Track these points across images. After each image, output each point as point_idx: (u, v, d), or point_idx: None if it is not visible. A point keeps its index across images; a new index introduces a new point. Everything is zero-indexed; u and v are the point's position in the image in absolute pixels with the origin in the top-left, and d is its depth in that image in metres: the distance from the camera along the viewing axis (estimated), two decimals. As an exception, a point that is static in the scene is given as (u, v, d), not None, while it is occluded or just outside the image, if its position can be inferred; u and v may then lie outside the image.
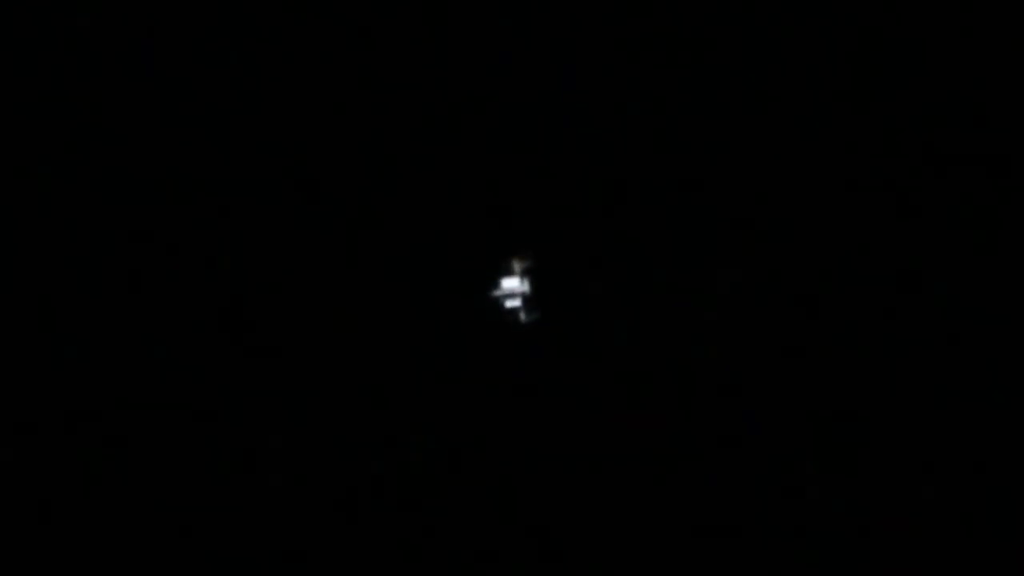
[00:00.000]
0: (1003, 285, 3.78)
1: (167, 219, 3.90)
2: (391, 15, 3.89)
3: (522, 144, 3.88)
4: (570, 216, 3.87)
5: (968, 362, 3.76)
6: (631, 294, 3.86)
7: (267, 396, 3.86)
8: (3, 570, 3.77)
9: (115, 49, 3.90)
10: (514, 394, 3.85)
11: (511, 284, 3.84)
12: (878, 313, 3.81)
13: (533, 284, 3.84)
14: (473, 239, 3.88)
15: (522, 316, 3.85)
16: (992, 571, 3.67)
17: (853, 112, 3.82)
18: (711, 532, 3.76)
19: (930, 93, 3.82)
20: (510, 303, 3.85)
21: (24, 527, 3.80)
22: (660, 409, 3.83)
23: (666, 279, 3.85)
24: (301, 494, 3.83)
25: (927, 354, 3.78)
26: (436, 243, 3.88)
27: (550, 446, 3.83)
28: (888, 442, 3.76)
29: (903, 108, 3.82)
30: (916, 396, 3.76)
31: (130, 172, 3.91)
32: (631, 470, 3.81)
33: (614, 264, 3.86)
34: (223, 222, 3.89)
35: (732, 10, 3.84)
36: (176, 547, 3.80)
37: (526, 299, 3.84)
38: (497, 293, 3.85)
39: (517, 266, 3.84)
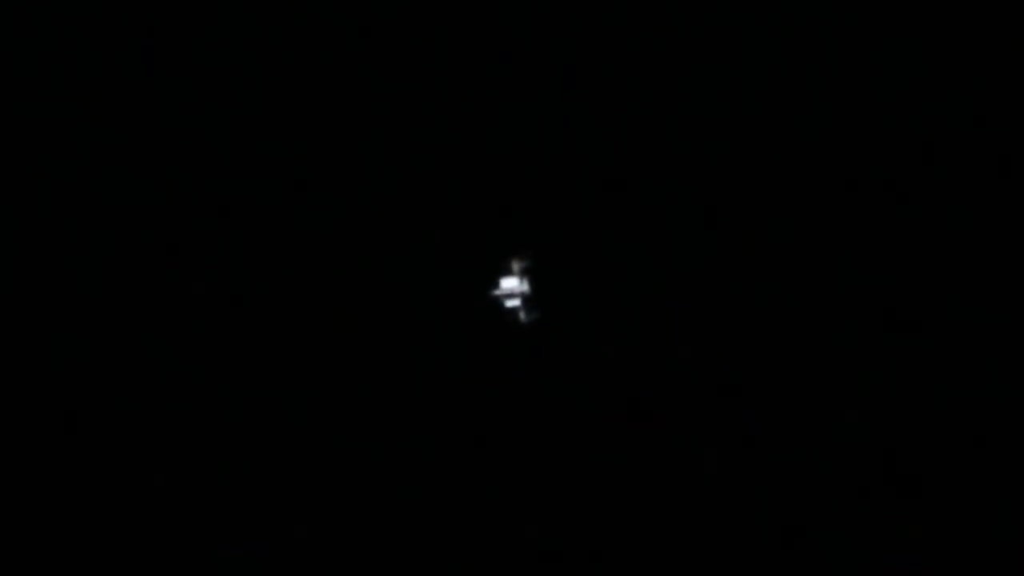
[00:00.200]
0: (1003, 285, 3.77)
1: (167, 219, 3.90)
2: (391, 15, 3.89)
3: (522, 144, 3.88)
4: (570, 216, 3.87)
5: (968, 362, 3.76)
6: (631, 294, 3.85)
7: (267, 396, 3.86)
8: (3, 570, 3.78)
9: (115, 49, 3.90)
10: (514, 394, 3.85)
11: (511, 284, 3.84)
12: (878, 313, 3.80)
13: (532, 284, 3.84)
14: (473, 239, 3.87)
15: (522, 316, 3.84)
16: (992, 571, 3.66)
17: (853, 112, 3.82)
18: (711, 532, 3.76)
19: (930, 93, 3.81)
20: (510, 303, 3.84)
21: (24, 527, 3.80)
22: (660, 409, 3.82)
23: (665, 279, 3.84)
24: (301, 494, 3.83)
25: (927, 354, 3.77)
26: (436, 243, 3.88)
27: (550, 446, 3.83)
28: (888, 442, 3.75)
29: (903, 108, 3.81)
30: (916, 396, 3.76)
31: (130, 172, 3.91)
32: (631, 470, 3.80)
33: (614, 264, 3.86)
34: (223, 222, 3.89)
35: (732, 10, 3.83)
36: (176, 547, 3.80)
37: (526, 299, 3.84)
38: (497, 293, 3.85)
39: (517, 266, 3.84)
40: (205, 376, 3.87)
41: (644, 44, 3.87)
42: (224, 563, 3.79)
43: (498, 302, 3.85)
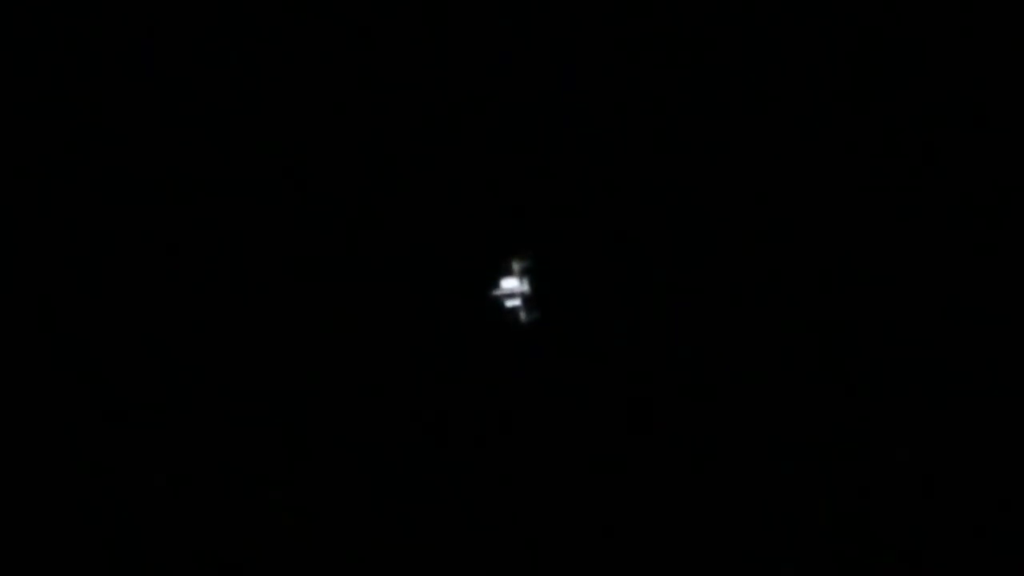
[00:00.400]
0: (1003, 285, 3.77)
1: (166, 218, 3.90)
2: (391, 15, 3.89)
3: (522, 144, 3.88)
4: (570, 216, 3.87)
5: (967, 362, 3.76)
6: (631, 294, 3.85)
7: (267, 396, 3.86)
8: (3, 570, 3.78)
9: (115, 49, 3.90)
10: (514, 394, 3.85)
11: (511, 284, 3.84)
12: (877, 313, 3.80)
13: (532, 284, 3.84)
14: (473, 239, 3.87)
15: (522, 316, 3.84)
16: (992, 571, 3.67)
17: (853, 112, 3.82)
18: (711, 532, 3.76)
19: (930, 93, 3.81)
20: (510, 303, 3.85)
21: (24, 527, 3.80)
22: (660, 409, 3.82)
23: (666, 279, 3.84)
24: (301, 494, 3.83)
25: (927, 354, 3.77)
26: (436, 243, 3.88)
27: (550, 446, 3.83)
28: (887, 442, 3.76)
29: (903, 109, 3.81)
30: (916, 396, 3.76)
31: (130, 172, 3.91)
32: (631, 470, 3.80)
33: (614, 264, 3.86)
34: (223, 222, 3.89)
35: (732, 10, 3.84)
36: (176, 547, 3.81)
37: (526, 299, 3.84)
38: (497, 293, 3.85)
39: (516, 266, 3.84)
40: (204, 376, 3.87)
41: (644, 44, 3.87)
42: (224, 563, 3.79)
43: (498, 302, 3.85)
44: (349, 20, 3.90)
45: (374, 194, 3.90)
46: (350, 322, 3.88)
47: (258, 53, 3.91)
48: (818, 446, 3.77)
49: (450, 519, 3.81)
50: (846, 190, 3.82)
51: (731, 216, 3.84)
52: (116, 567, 3.80)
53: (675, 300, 3.84)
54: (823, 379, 3.80)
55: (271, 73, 3.91)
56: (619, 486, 3.80)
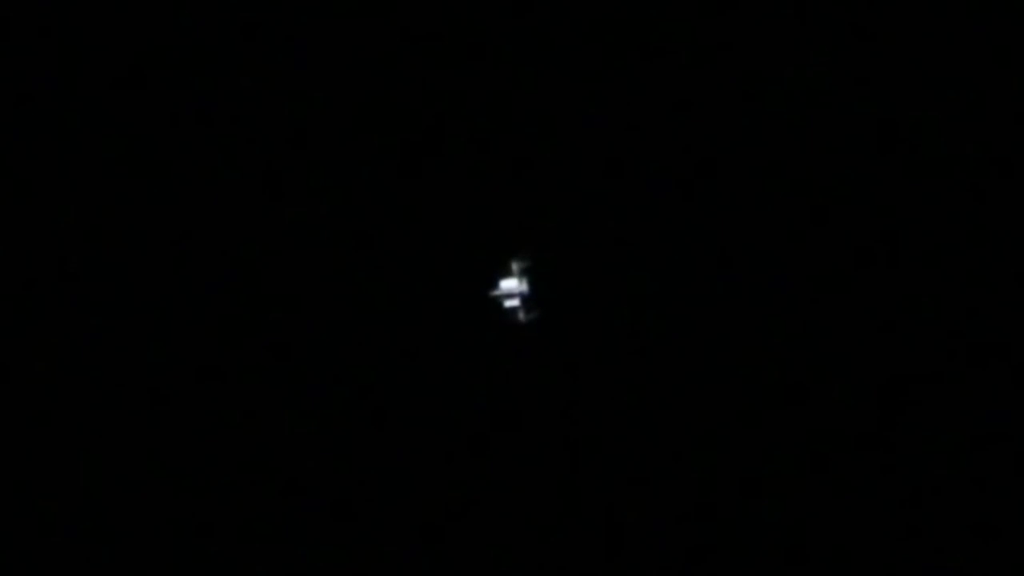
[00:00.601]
0: (1003, 285, 3.77)
1: (165, 218, 3.90)
2: (391, 15, 3.88)
3: (522, 144, 3.87)
4: (570, 216, 3.86)
5: (968, 362, 3.76)
6: (631, 294, 3.85)
7: (266, 396, 3.87)
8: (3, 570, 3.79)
9: (115, 48, 3.90)
10: (514, 394, 3.85)
11: (510, 284, 3.84)
12: (878, 313, 3.80)
13: (532, 284, 3.84)
14: (472, 239, 3.87)
15: (521, 316, 3.84)
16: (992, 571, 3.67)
17: (853, 113, 3.81)
18: (711, 532, 3.76)
19: (929, 92, 3.81)
20: (509, 303, 3.84)
21: (24, 527, 3.81)
22: (660, 409, 3.82)
23: (666, 279, 3.84)
24: (301, 494, 3.83)
25: (927, 354, 3.77)
26: (436, 243, 3.88)
27: (550, 446, 3.83)
28: (888, 442, 3.76)
29: (903, 108, 3.81)
30: (916, 396, 3.76)
31: (130, 171, 3.91)
32: (631, 470, 3.81)
33: (614, 264, 3.86)
34: (222, 222, 3.89)
35: (731, 10, 3.83)
36: (177, 547, 3.81)
37: (525, 299, 3.84)
38: (496, 293, 3.84)
39: (515, 266, 3.84)
40: (203, 375, 3.87)
41: (644, 44, 3.86)
42: (225, 563, 3.80)
43: (498, 302, 3.85)
44: (349, 20, 3.89)
45: (373, 194, 3.90)
46: (349, 322, 3.88)
47: (258, 53, 3.90)
48: (818, 446, 3.78)
49: (450, 519, 3.81)
50: (846, 190, 3.82)
51: (731, 216, 3.83)
52: (115, 567, 3.81)
53: (675, 300, 3.84)
54: (823, 379, 3.79)
55: (271, 73, 3.90)
56: (619, 486, 3.80)
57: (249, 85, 3.90)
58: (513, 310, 3.84)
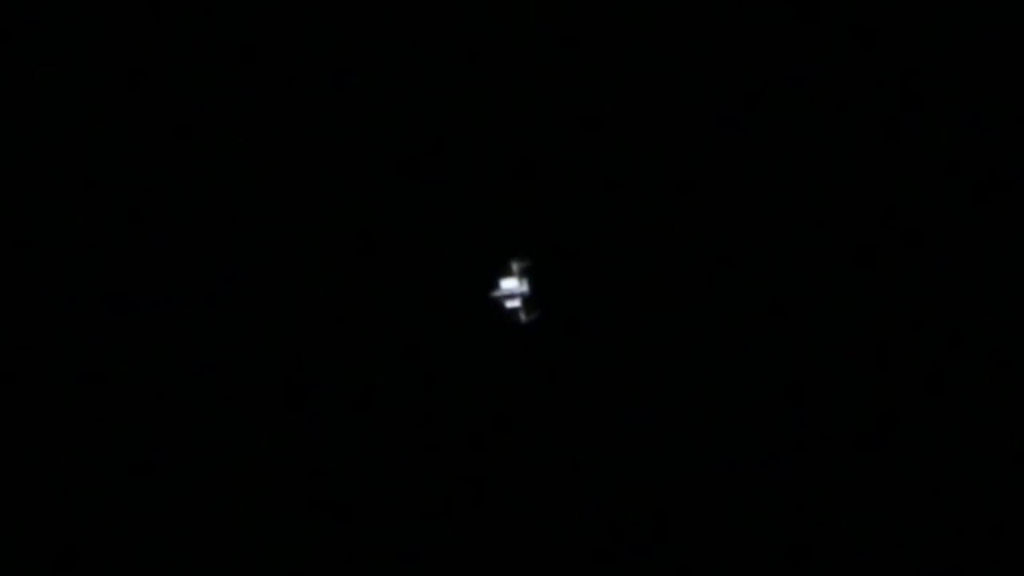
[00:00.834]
0: (1003, 285, 3.78)
1: (165, 217, 3.89)
2: (391, 15, 3.88)
3: (522, 144, 3.87)
4: (570, 216, 3.86)
5: (967, 362, 3.77)
6: (631, 294, 3.85)
7: (266, 396, 3.87)
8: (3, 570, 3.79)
9: (115, 48, 3.89)
10: (514, 394, 3.85)
11: (510, 284, 3.84)
12: (878, 313, 3.80)
13: (532, 284, 3.84)
14: (472, 239, 3.87)
15: (521, 316, 3.84)
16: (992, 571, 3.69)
17: (852, 113, 3.81)
18: (711, 532, 3.77)
19: (930, 93, 3.81)
20: (509, 303, 3.84)
21: (24, 527, 3.81)
22: (660, 409, 3.83)
23: (666, 279, 3.84)
24: (301, 494, 3.83)
25: (927, 354, 3.78)
26: (436, 243, 3.87)
27: (550, 446, 3.84)
28: (887, 443, 3.77)
29: (903, 109, 3.81)
30: (916, 396, 3.77)
31: (130, 171, 3.90)
32: (631, 470, 3.81)
33: (614, 264, 3.86)
34: (222, 222, 3.89)
35: (731, 10, 3.82)
36: (176, 547, 3.81)
37: (525, 299, 3.84)
38: (496, 293, 3.84)
39: (516, 267, 3.83)
40: (203, 375, 3.87)
41: (643, 44, 3.85)
42: (224, 563, 3.80)
43: (498, 302, 3.85)
44: (349, 20, 3.88)
45: (373, 194, 3.89)
46: (349, 322, 3.88)
47: (258, 53, 3.89)
48: (817, 446, 3.78)
49: (450, 519, 3.81)
50: (846, 190, 3.82)
51: (731, 216, 3.83)
52: (115, 567, 3.81)
53: (675, 300, 3.84)
54: (822, 379, 3.80)
55: (271, 72, 3.89)
56: (620, 486, 3.80)
57: (249, 85, 3.89)
58: (514, 311, 3.84)
